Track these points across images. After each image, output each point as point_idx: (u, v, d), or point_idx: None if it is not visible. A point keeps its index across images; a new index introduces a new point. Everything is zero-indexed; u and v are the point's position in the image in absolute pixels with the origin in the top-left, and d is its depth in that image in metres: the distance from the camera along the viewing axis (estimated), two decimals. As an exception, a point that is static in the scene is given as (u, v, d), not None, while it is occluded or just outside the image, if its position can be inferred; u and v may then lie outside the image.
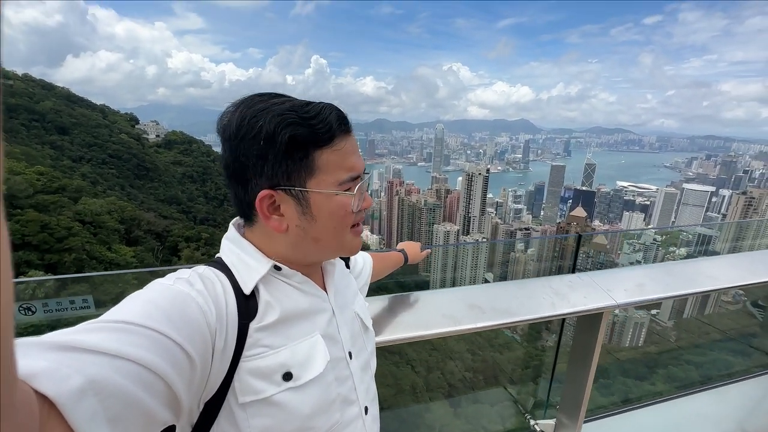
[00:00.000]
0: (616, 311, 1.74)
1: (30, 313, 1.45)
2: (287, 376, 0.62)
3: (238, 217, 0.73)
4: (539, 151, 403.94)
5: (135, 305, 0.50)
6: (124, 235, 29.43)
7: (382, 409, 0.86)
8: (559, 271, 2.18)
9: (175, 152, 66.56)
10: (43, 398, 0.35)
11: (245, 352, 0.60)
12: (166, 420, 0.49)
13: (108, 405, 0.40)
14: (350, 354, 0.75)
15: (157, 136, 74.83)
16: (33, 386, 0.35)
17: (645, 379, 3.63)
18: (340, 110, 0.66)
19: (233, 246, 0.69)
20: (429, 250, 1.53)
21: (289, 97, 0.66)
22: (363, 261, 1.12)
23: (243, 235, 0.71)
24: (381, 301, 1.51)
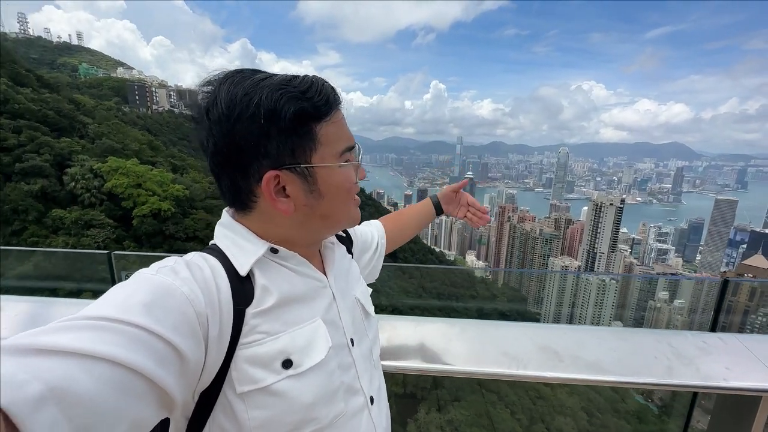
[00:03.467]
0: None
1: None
2: (287, 364, 0.59)
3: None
4: (697, 181, 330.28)
5: (112, 300, 0.47)
6: (261, 238, 34.87)
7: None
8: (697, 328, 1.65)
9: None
10: None
11: (242, 339, 0.57)
12: (154, 419, 0.46)
13: (73, 414, 0.36)
14: (352, 341, 0.72)
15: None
16: None
17: None
18: (328, 82, 0.63)
19: (227, 231, 0.66)
20: (465, 180, 1.27)
21: (269, 72, 0.61)
22: (374, 229, 1.06)
23: (238, 221, 0.67)
24: (430, 324, 1.37)
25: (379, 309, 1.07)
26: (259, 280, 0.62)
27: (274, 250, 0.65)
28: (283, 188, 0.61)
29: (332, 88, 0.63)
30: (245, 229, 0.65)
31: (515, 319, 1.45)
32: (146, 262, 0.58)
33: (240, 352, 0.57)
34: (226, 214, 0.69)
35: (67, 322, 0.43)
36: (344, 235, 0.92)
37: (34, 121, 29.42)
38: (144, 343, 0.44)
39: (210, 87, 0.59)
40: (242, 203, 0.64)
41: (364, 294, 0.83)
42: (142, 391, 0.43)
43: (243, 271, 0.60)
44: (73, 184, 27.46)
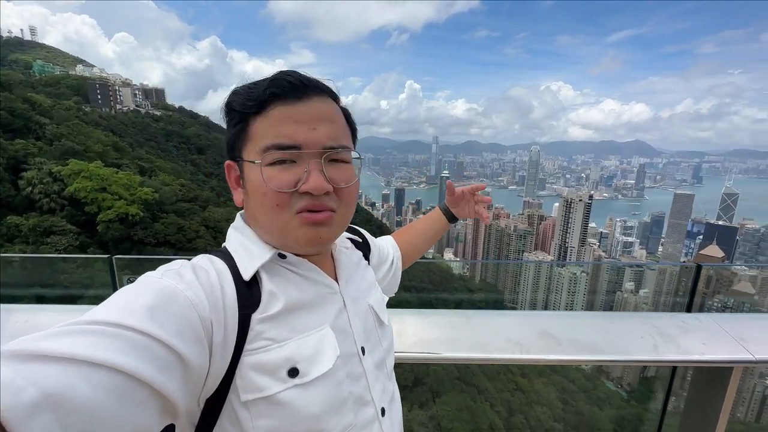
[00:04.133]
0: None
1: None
2: (293, 372, 0.57)
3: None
4: (658, 177, 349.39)
5: (115, 304, 0.46)
6: (236, 241, 33.97)
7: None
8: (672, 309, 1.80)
9: (282, 170, 75.67)
10: None
11: (247, 346, 0.56)
12: (156, 427, 0.45)
13: (69, 422, 0.35)
14: (363, 349, 0.69)
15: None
16: None
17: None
18: (296, 76, 0.59)
19: (237, 233, 0.66)
20: (482, 186, 1.17)
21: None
22: (386, 245, 1.03)
23: (249, 224, 0.67)
24: (436, 316, 1.42)
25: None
26: (266, 285, 0.60)
27: (282, 256, 0.63)
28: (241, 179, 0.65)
29: (290, 82, 0.59)
30: (253, 233, 0.65)
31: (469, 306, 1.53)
32: (149, 267, 0.60)
33: (245, 359, 0.55)
34: (239, 217, 0.69)
35: (68, 326, 0.42)
36: (360, 240, 0.89)
37: (-17, 121, 27.33)
38: (146, 349, 0.43)
39: None
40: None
41: (379, 302, 0.80)
42: (143, 399, 0.42)
43: (246, 276, 0.59)
44: (30, 188, 25.72)
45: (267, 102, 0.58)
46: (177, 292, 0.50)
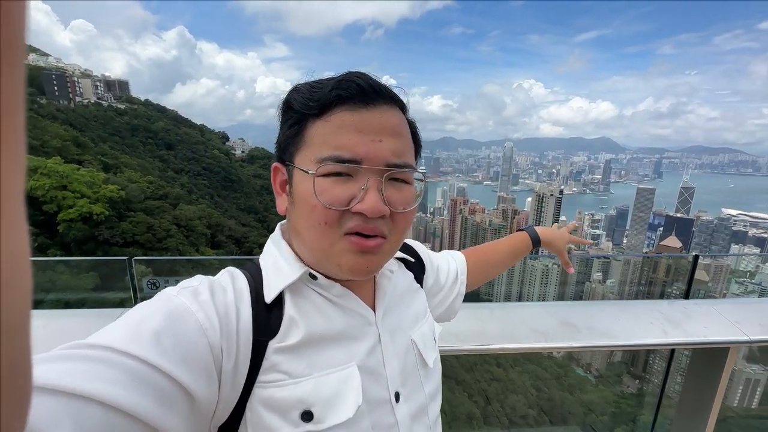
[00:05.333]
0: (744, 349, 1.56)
1: (155, 287, 1.70)
2: (306, 416, 0.50)
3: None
4: (622, 172, 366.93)
5: (123, 325, 0.43)
6: (210, 239, 33.00)
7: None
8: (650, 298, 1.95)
9: (257, 166, 74.16)
10: None
11: (261, 377, 0.50)
12: None
13: None
14: (397, 395, 0.59)
15: (243, 152, 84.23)
16: None
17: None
18: (366, 79, 0.52)
19: (273, 247, 0.59)
20: (589, 241, 1.21)
21: None
22: (453, 265, 0.88)
23: (288, 239, 0.60)
24: (462, 309, 1.48)
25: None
26: (288, 310, 0.54)
27: (313, 276, 0.56)
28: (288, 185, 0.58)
29: (359, 85, 0.51)
30: (288, 248, 0.58)
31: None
32: (168, 267, 0.57)
33: (257, 391, 0.50)
34: (278, 229, 0.62)
35: (69, 350, 0.39)
36: (413, 260, 0.75)
37: None
38: (146, 380, 0.40)
39: None
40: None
41: (425, 336, 0.67)
42: None
43: (269, 298, 0.53)
44: (-22, 186, 23.86)
45: (331, 105, 0.51)
46: (188, 314, 0.46)
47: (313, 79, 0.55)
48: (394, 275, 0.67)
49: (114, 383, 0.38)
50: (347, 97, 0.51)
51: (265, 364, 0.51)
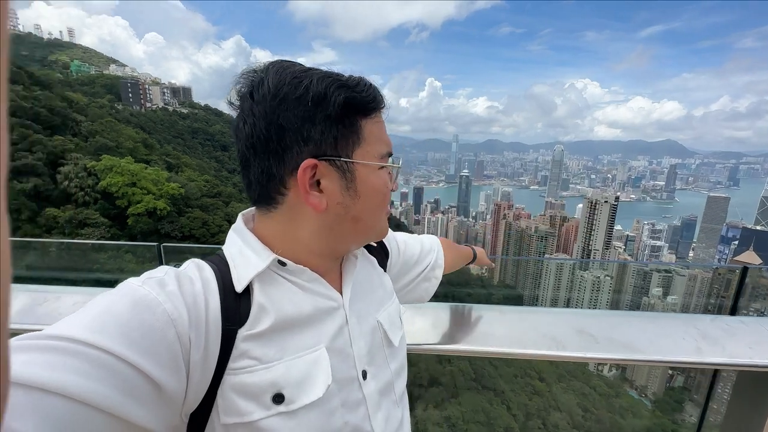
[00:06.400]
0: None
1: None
2: (278, 398, 0.52)
3: (248, 210, 0.65)
4: (690, 179, 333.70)
5: (87, 314, 0.43)
6: (257, 236, 34.82)
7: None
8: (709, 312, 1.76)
9: (302, 167, 77.21)
10: None
11: (231, 364, 0.51)
12: None
13: None
14: (365, 373, 0.62)
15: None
16: None
17: None
18: (374, 84, 0.61)
19: (236, 237, 0.60)
20: (493, 265, 1.38)
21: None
22: (428, 244, 0.96)
23: (252, 229, 0.62)
24: (469, 311, 1.43)
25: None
26: (257, 298, 0.55)
27: (281, 263, 0.58)
28: (318, 182, 0.56)
29: (378, 89, 0.60)
30: (254, 238, 0.59)
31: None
32: (193, 255, 0.58)
33: (227, 378, 0.51)
34: (240, 219, 0.63)
35: (29, 340, 0.39)
36: (375, 244, 0.81)
37: (26, 119, 29.00)
38: (111, 371, 0.40)
39: (254, 73, 0.57)
40: (269, 197, 0.58)
41: (391, 317, 0.72)
42: (100, 427, 0.39)
43: (239, 287, 0.54)
44: (66, 182, 27.14)
45: (378, 107, 0.60)
46: (155, 304, 0.46)
47: (325, 68, 0.57)
48: (359, 260, 0.70)
49: (77, 374, 0.37)
50: (381, 102, 0.61)
51: (235, 351, 0.52)
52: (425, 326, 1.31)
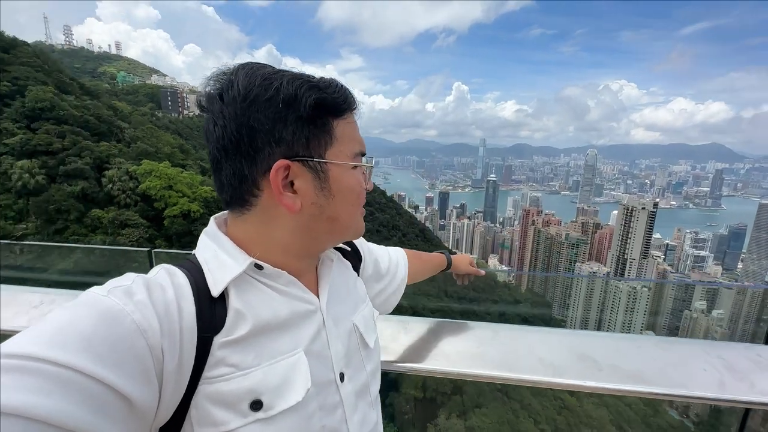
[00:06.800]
0: None
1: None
2: (256, 405, 0.51)
3: (220, 213, 0.65)
4: (739, 185, 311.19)
5: (47, 329, 0.40)
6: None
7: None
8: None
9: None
10: None
11: (206, 372, 0.50)
12: None
13: None
14: (342, 376, 0.62)
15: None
16: None
17: None
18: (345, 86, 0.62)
19: (210, 241, 0.59)
20: (482, 272, 1.31)
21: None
22: (394, 256, 0.96)
23: (226, 232, 0.60)
24: (460, 328, 1.33)
25: (398, 310, 1.04)
26: (233, 303, 0.54)
27: (258, 267, 0.57)
28: (291, 183, 0.56)
29: (349, 91, 0.61)
30: (229, 241, 0.58)
31: (539, 326, 1.44)
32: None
33: (202, 388, 0.49)
34: (212, 223, 0.62)
35: None
36: (349, 249, 0.82)
37: (76, 126, 31.36)
38: (75, 389, 0.38)
39: (224, 74, 0.56)
40: (242, 198, 0.57)
41: (366, 320, 0.73)
42: None
43: (216, 291, 0.53)
44: (110, 185, 29.04)
45: (349, 108, 0.61)
46: (122, 315, 0.43)
47: (294, 70, 0.58)
48: (334, 264, 0.71)
49: (39, 394, 0.35)
50: (353, 102, 0.62)
51: (211, 359, 0.50)
52: (406, 342, 1.23)
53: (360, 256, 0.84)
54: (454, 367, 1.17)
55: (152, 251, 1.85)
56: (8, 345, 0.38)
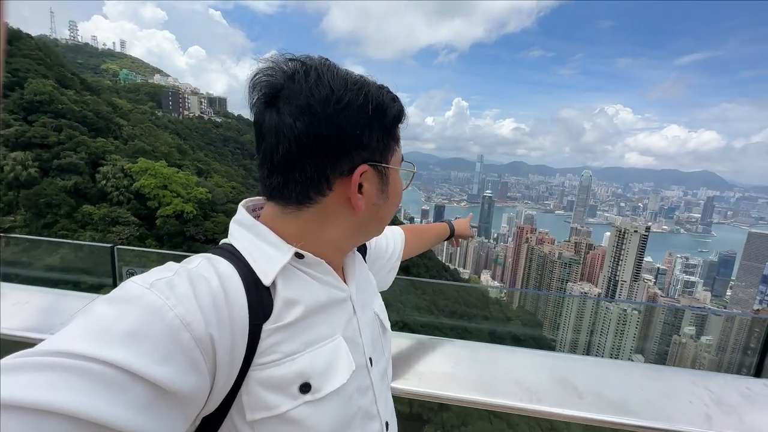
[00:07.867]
0: None
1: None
2: (305, 388, 0.53)
3: (250, 200, 0.65)
4: (729, 213, 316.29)
5: (90, 326, 0.40)
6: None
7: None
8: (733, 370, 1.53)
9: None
10: None
11: (256, 360, 0.51)
12: None
13: None
14: (371, 360, 0.66)
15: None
16: None
17: None
18: None
19: (247, 232, 0.59)
20: (472, 235, 1.39)
21: None
22: (391, 235, 1.00)
23: (265, 223, 0.60)
24: (438, 344, 1.29)
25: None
26: (281, 291, 0.55)
27: (299, 255, 0.58)
28: (360, 185, 0.58)
29: None
30: (270, 232, 0.58)
31: (529, 345, 1.37)
32: (150, 260, 0.56)
33: (253, 374, 0.50)
34: (244, 211, 0.61)
35: (24, 357, 0.36)
36: None
37: (74, 120, 31.12)
38: (121, 387, 0.38)
39: (301, 67, 0.54)
40: (307, 196, 0.56)
41: (382, 307, 0.78)
42: None
43: (267, 281, 0.54)
44: (104, 182, 28.71)
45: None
46: (164, 310, 0.43)
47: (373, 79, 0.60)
48: (354, 254, 0.74)
49: (85, 393, 0.35)
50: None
51: (261, 346, 0.51)
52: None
53: (365, 246, 0.87)
54: (427, 388, 1.12)
55: (115, 248, 1.76)
56: (50, 342, 0.38)
